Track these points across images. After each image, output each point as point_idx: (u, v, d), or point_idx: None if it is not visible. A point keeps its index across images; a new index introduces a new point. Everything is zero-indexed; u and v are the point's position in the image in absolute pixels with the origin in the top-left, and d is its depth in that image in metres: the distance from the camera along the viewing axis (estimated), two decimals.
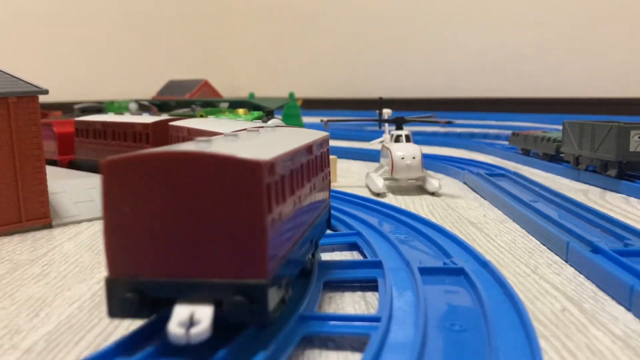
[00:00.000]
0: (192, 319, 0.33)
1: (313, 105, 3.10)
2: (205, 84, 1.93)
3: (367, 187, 1.01)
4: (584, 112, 2.38)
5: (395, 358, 0.35)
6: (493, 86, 2.83)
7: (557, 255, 0.60)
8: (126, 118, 0.99)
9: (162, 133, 0.87)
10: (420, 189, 0.97)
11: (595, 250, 0.55)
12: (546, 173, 1.15)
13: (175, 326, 0.33)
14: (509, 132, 1.57)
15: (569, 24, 2.57)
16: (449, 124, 1.05)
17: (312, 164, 0.47)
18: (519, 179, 0.97)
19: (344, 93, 3.39)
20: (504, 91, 2.80)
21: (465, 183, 1.04)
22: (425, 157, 1.07)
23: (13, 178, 0.70)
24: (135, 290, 0.34)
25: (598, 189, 0.97)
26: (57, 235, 0.71)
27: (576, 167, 1.06)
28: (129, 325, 0.43)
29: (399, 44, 3.15)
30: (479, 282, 0.46)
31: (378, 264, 0.52)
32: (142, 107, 2.48)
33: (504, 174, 1.03)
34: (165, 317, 0.34)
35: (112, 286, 0.35)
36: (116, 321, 0.44)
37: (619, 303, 0.46)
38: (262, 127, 0.57)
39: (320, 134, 0.53)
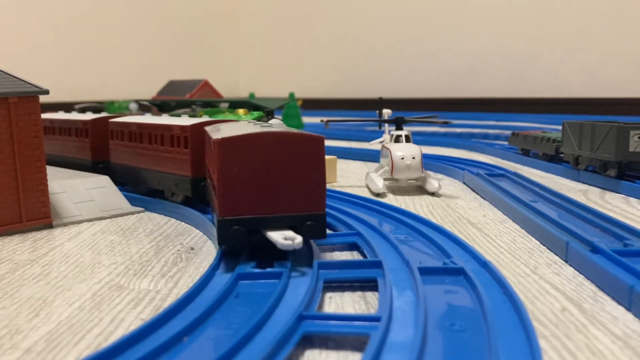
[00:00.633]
0: (286, 237, 0.50)
1: (313, 105, 3.10)
2: (206, 84, 1.92)
3: (367, 187, 1.01)
4: (584, 112, 2.38)
5: (395, 358, 0.35)
6: (493, 86, 2.83)
7: (556, 255, 0.60)
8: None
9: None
10: (420, 189, 0.97)
11: (595, 250, 0.55)
12: (546, 173, 1.15)
13: (283, 241, 0.50)
14: (508, 132, 1.57)
15: (568, 24, 2.57)
16: (446, 124, 1.05)
17: None
18: (519, 179, 0.97)
19: (344, 93, 3.39)
20: (504, 91, 2.80)
21: (465, 183, 1.05)
22: (425, 157, 1.07)
23: (14, 178, 0.70)
24: (239, 224, 0.52)
25: (598, 189, 0.97)
26: (58, 235, 0.71)
27: (576, 167, 1.06)
28: (129, 326, 0.43)
29: (399, 44, 3.15)
30: (479, 282, 0.46)
31: (378, 264, 0.52)
32: (143, 107, 2.48)
33: (504, 174, 1.03)
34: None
35: (224, 223, 0.52)
36: (116, 321, 0.44)
37: (619, 303, 0.46)
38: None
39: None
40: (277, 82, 3.70)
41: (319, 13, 3.48)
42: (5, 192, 0.70)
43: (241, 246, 0.55)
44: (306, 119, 2.30)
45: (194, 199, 0.78)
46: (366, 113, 1.72)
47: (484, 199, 0.90)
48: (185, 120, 0.79)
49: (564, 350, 0.38)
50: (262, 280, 0.50)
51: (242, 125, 0.62)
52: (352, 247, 0.63)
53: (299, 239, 0.50)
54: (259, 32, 3.79)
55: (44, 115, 1.05)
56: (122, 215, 0.81)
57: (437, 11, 2.99)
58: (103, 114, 1.03)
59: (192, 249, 0.64)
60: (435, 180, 0.94)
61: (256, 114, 0.85)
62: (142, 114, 1.09)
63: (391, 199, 0.90)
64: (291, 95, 2.26)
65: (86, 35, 3.15)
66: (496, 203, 0.84)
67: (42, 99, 0.72)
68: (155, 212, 0.83)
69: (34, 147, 0.71)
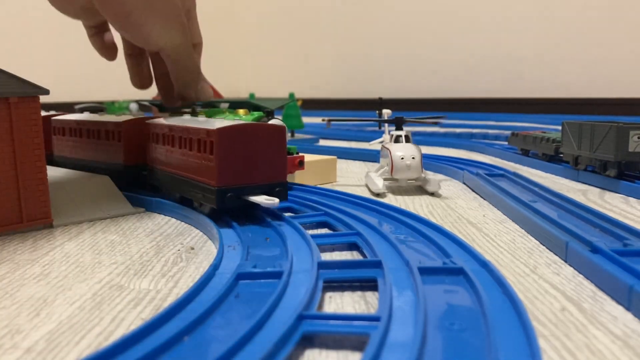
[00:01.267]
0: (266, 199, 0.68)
1: (313, 105, 3.10)
2: None
3: (367, 187, 1.01)
4: (583, 113, 2.38)
5: (395, 357, 0.35)
6: (493, 86, 2.83)
7: (556, 255, 0.60)
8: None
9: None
10: (420, 189, 0.97)
11: (595, 250, 0.55)
12: (545, 173, 1.16)
13: (265, 201, 0.67)
14: (508, 132, 1.57)
15: (568, 25, 2.57)
16: (436, 124, 1.06)
17: None
18: (518, 179, 0.97)
19: (344, 93, 3.39)
20: (503, 91, 2.80)
21: (464, 183, 1.05)
22: (425, 157, 1.07)
23: (14, 178, 0.70)
24: (232, 191, 0.68)
25: (597, 189, 0.97)
26: (58, 235, 0.71)
27: (575, 167, 1.06)
28: (130, 325, 0.43)
29: (399, 44, 3.15)
30: (479, 281, 0.46)
31: (378, 264, 0.52)
32: (143, 108, 2.48)
33: (504, 174, 1.03)
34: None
35: (220, 191, 0.68)
36: (117, 321, 0.44)
37: (618, 303, 0.47)
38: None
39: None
40: (277, 82, 3.70)
41: (319, 13, 3.48)
42: (5, 192, 0.70)
43: (233, 208, 0.70)
44: (306, 119, 2.29)
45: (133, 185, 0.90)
46: (366, 113, 1.72)
47: (484, 199, 0.90)
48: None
49: (563, 350, 0.39)
50: (262, 280, 0.50)
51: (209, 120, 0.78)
52: (352, 247, 0.63)
53: (276, 200, 0.67)
54: (259, 32, 3.79)
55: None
56: (122, 215, 0.81)
57: (437, 11, 2.99)
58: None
59: (193, 248, 0.64)
60: (435, 181, 0.95)
61: (256, 114, 0.86)
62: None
63: (391, 199, 0.91)
64: (291, 95, 2.26)
65: (86, 35, 3.14)
66: (496, 203, 0.84)
67: (43, 99, 0.72)
68: (155, 212, 0.83)
69: (34, 147, 0.71)
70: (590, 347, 0.39)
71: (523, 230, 0.70)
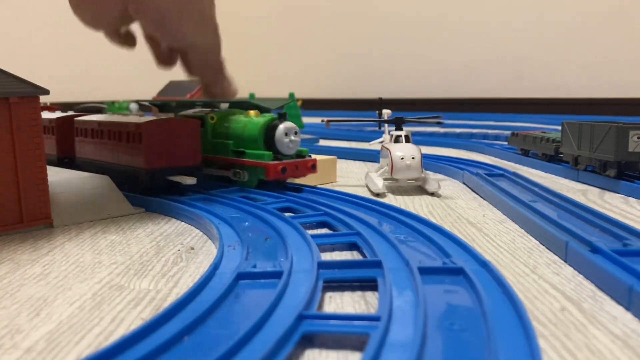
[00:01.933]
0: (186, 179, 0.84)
1: (313, 105, 3.10)
2: None
3: (367, 187, 1.01)
4: (583, 113, 2.38)
5: (395, 357, 0.35)
6: (493, 86, 2.83)
7: (556, 255, 0.60)
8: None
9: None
10: (420, 189, 0.98)
11: (595, 250, 0.55)
12: (545, 173, 1.16)
13: (186, 180, 0.83)
14: (508, 132, 1.57)
15: (568, 25, 2.57)
16: (439, 123, 1.06)
17: None
18: (518, 179, 0.97)
19: (344, 93, 3.39)
20: (503, 91, 2.80)
21: (464, 183, 1.05)
22: (425, 157, 1.07)
23: (14, 178, 0.70)
24: (159, 172, 0.85)
25: (597, 189, 0.97)
26: (58, 235, 0.71)
27: (575, 168, 1.06)
28: (130, 325, 0.43)
29: (399, 44, 3.15)
30: (479, 281, 0.46)
31: (378, 264, 0.52)
32: (143, 108, 2.48)
33: (503, 174, 1.03)
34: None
35: (149, 172, 0.84)
36: (117, 321, 0.44)
37: (618, 303, 0.47)
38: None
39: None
40: (277, 82, 3.70)
41: (319, 14, 3.48)
42: (6, 192, 0.70)
43: (159, 186, 0.86)
44: (306, 119, 2.30)
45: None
46: (366, 113, 1.72)
47: (484, 199, 0.90)
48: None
49: (563, 350, 0.39)
50: (262, 280, 0.50)
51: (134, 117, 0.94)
52: (352, 247, 0.63)
53: (194, 179, 0.84)
54: (259, 32, 3.79)
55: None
56: (122, 215, 0.81)
57: (437, 11, 2.99)
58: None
59: (192, 248, 0.64)
60: (434, 181, 0.95)
61: (269, 116, 0.91)
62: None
63: (391, 199, 0.91)
64: (291, 95, 2.26)
65: (87, 36, 3.15)
66: (495, 203, 0.84)
67: (43, 99, 0.72)
68: (155, 212, 0.83)
69: (34, 147, 0.71)
70: (590, 347, 0.39)
71: (523, 230, 0.70)
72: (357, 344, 0.39)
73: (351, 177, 1.14)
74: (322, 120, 1.03)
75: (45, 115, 1.10)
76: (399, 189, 0.98)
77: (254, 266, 0.52)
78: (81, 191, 0.82)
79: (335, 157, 1.10)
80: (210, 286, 0.48)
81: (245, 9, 3.80)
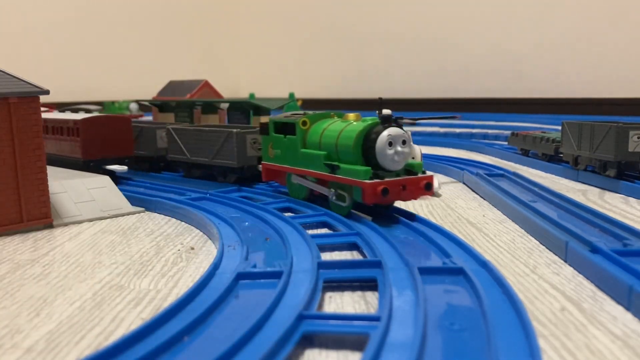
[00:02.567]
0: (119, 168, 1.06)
1: (313, 105, 3.10)
2: (206, 85, 1.93)
3: None
4: (583, 113, 2.38)
5: (395, 357, 0.35)
6: (493, 86, 2.83)
7: (556, 255, 0.60)
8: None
9: None
10: None
11: (594, 250, 0.55)
12: (545, 173, 1.16)
13: (118, 169, 1.06)
14: (508, 132, 1.57)
15: (568, 25, 2.57)
16: (454, 118, 1.06)
17: None
18: (518, 179, 0.97)
19: (344, 93, 3.39)
20: (503, 91, 2.80)
21: (464, 183, 1.05)
22: (425, 157, 1.07)
23: (14, 178, 0.70)
24: (95, 162, 0.99)
25: (597, 189, 0.97)
26: (58, 235, 0.71)
27: (575, 167, 1.06)
28: (130, 325, 0.43)
29: (399, 44, 3.15)
30: (479, 281, 0.46)
31: (378, 264, 0.52)
32: (143, 108, 2.48)
33: (503, 174, 1.03)
34: None
35: (86, 161, 0.98)
36: (117, 321, 0.44)
37: (618, 303, 0.47)
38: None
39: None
40: (277, 82, 3.70)
41: (319, 13, 3.48)
42: (5, 192, 0.70)
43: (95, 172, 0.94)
44: None
45: None
46: (366, 113, 1.72)
47: (484, 199, 0.90)
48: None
49: (563, 350, 0.39)
50: (262, 280, 0.50)
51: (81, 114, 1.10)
52: (352, 247, 0.63)
53: (125, 167, 1.04)
54: (259, 32, 3.79)
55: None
56: (122, 215, 0.81)
57: (437, 11, 2.99)
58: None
59: (193, 248, 0.64)
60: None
61: (370, 120, 0.72)
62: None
63: None
64: (291, 95, 2.26)
65: (87, 36, 3.15)
66: (495, 203, 0.84)
67: (43, 99, 0.72)
68: (155, 212, 0.83)
69: (34, 147, 0.71)
70: (589, 347, 0.39)
71: (523, 230, 0.70)
72: (357, 344, 0.39)
73: None
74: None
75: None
76: None
77: (254, 266, 0.52)
78: (81, 191, 0.82)
79: None
80: (210, 286, 0.48)
81: (246, 9, 3.80)
